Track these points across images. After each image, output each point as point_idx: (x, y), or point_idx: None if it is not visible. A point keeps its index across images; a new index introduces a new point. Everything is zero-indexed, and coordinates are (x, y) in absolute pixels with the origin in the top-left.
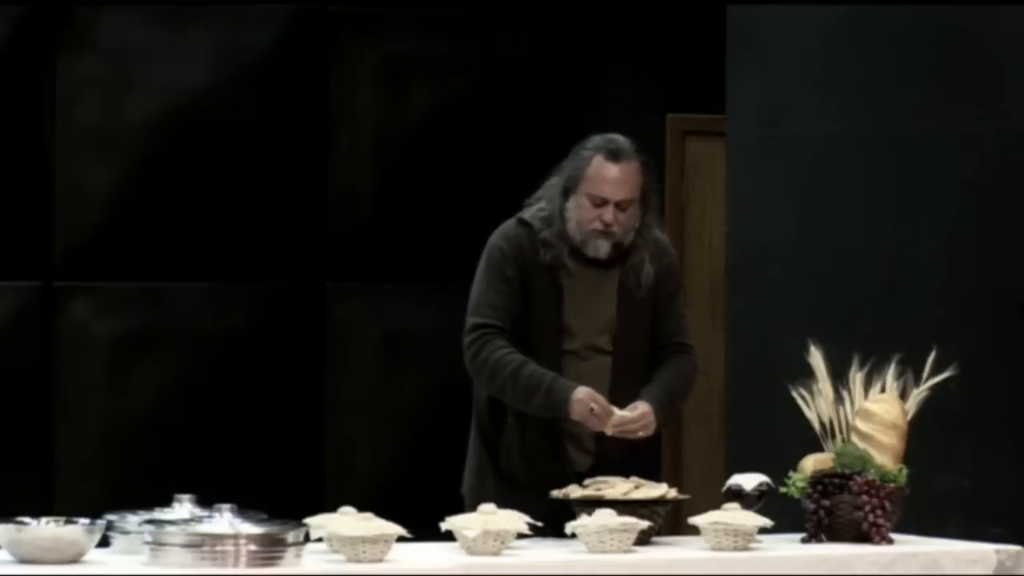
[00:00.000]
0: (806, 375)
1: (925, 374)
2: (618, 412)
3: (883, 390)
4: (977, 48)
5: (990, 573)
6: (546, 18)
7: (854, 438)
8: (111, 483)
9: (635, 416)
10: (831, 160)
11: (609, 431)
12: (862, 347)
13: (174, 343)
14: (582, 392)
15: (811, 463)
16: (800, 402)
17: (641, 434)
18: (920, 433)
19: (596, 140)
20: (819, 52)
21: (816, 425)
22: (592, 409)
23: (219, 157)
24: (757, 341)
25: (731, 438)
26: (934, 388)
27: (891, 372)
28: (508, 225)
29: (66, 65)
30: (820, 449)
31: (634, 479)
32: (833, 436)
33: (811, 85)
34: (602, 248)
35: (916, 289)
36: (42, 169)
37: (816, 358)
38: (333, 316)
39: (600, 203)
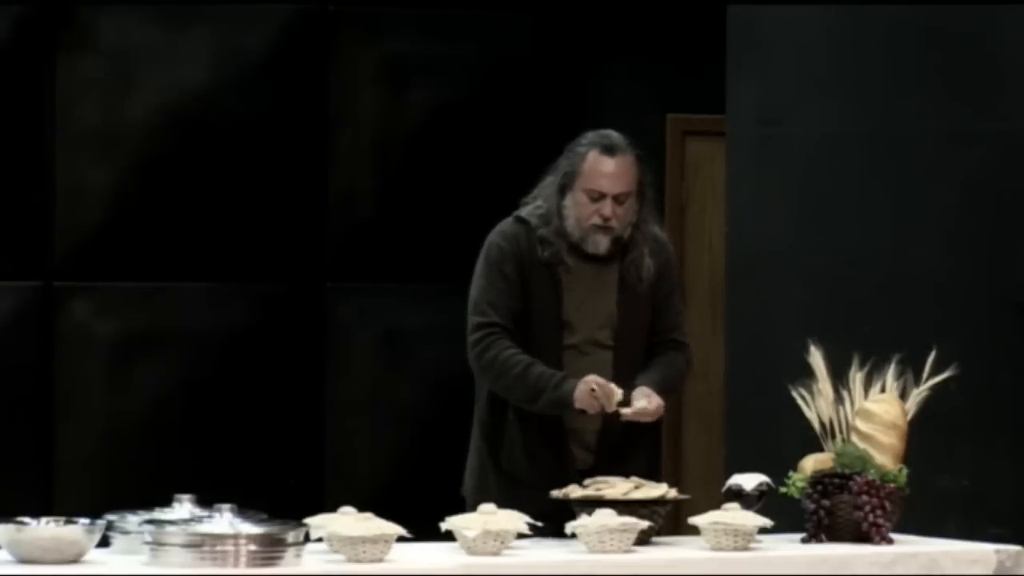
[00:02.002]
0: (806, 375)
1: (925, 374)
2: (636, 404)
3: (883, 390)
4: (977, 48)
5: (990, 573)
6: (546, 18)
7: (854, 438)
8: (111, 483)
9: (653, 409)
10: (831, 160)
11: (626, 416)
12: (862, 347)
13: (174, 343)
14: (583, 383)
15: (811, 463)
16: (800, 402)
17: (650, 417)
18: (920, 433)
19: (590, 136)
20: (819, 52)
21: (816, 425)
22: (593, 390)
23: (219, 157)
24: (757, 341)
25: (731, 438)
26: (934, 388)
27: (891, 372)
28: (505, 223)
29: (66, 65)
30: (820, 449)
31: (634, 479)
32: (833, 436)
33: (811, 85)
34: (601, 244)
35: (916, 289)
36: (42, 169)
37: (816, 358)
38: (333, 316)
39: (597, 197)
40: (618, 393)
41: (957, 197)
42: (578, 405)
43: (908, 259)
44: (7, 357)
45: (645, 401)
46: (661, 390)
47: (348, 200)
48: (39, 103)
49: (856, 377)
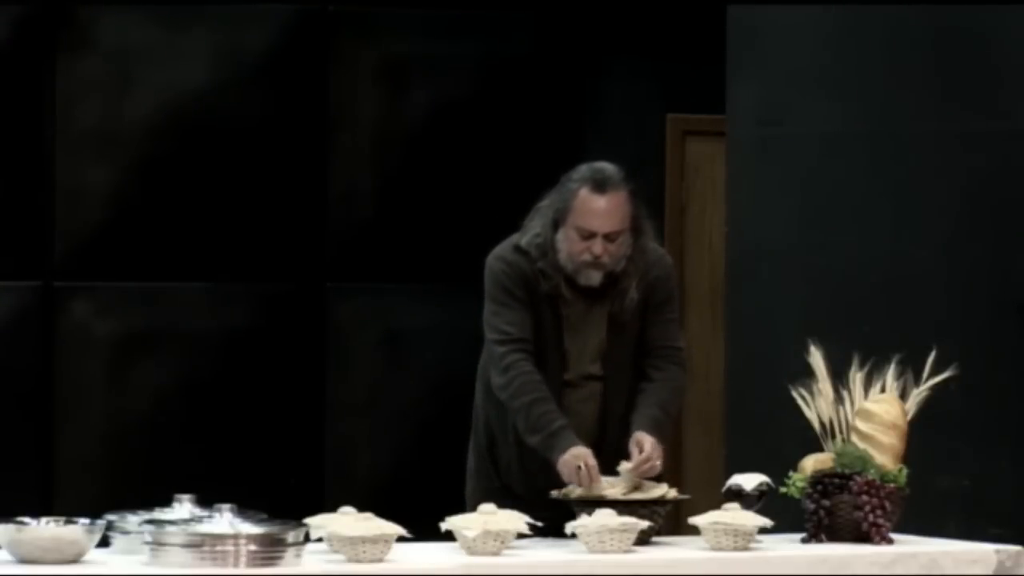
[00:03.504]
0: (806, 375)
1: (925, 374)
2: (631, 462)
3: (883, 390)
4: (977, 48)
5: (990, 573)
6: (546, 18)
7: (854, 438)
8: (111, 483)
9: (643, 458)
10: (831, 160)
11: (628, 475)
12: (862, 347)
13: (174, 343)
14: (576, 449)
15: (811, 463)
16: (800, 402)
17: (658, 464)
18: (920, 433)
19: (583, 170)
20: (819, 52)
21: (816, 425)
22: (578, 469)
23: (219, 157)
24: (757, 341)
25: (731, 438)
26: (934, 388)
27: (891, 372)
28: (505, 250)
29: (66, 65)
30: (820, 449)
31: (633, 479)
32: (833, 436)
33: (811, 85)
34: (593, 277)
35: (916, 289)
36: (42, 169)
37: (816, 358)
38: (333, 316)
39: (588, 236)
40: (630, 463)
41: (957, 197)
42: (560, 468)
43: (908, 259)
44: (7, 357)
45: (634, 464)
46: (661, 421)
47: (348, 200)
48: (39, 103)
49: (856, 377)
